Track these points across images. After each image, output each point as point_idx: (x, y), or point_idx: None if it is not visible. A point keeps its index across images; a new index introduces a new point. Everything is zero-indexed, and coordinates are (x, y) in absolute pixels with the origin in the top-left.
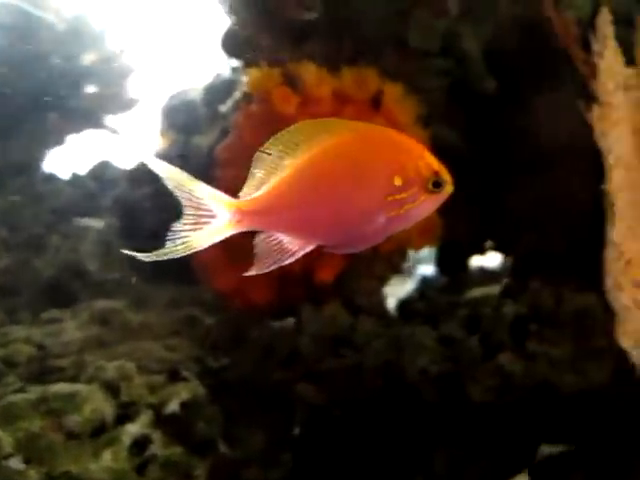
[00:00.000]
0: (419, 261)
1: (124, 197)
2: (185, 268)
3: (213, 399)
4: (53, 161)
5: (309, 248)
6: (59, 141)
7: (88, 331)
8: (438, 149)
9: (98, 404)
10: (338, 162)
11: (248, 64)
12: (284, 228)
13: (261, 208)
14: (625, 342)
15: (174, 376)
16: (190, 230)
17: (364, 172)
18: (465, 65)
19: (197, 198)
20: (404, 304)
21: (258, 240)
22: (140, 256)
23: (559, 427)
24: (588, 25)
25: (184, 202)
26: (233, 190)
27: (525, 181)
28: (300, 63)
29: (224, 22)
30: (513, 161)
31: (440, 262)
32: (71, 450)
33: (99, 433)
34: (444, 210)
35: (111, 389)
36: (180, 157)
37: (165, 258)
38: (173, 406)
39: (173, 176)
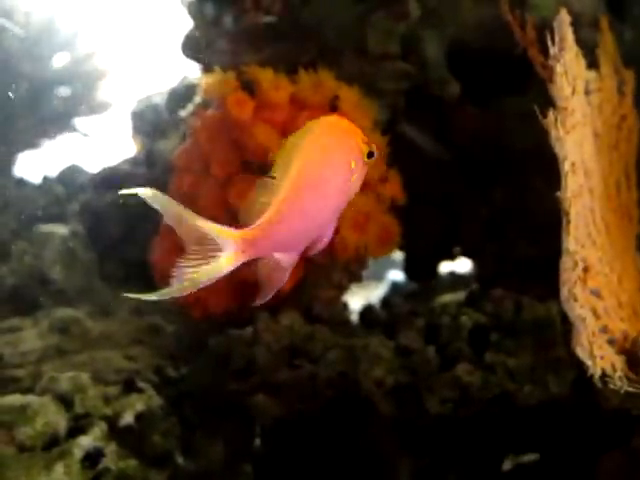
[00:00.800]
0: (392, 265)
1: (90, 203)
2: (149, 273)
3: (171, 410)
4: (24, 165)
5: (296, 259)
6: (31, 144)
7: (47, 340)
8: (407, 152)
9: (51, 416)
10: (315, 169)
11: (207, 69)
12: (284, 248)
13: (264, 235)
14: (581, 353)
15: (130, 387)
16: (196, 266)
17: (336, 168)
18: (427, 69)
19: (200, 233)
20: (365, 312)
21: (261, 267)
22: (145, 297)
23: (519, 439)
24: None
25: (186, 237)
26: (189, 197)
27: (491, 186)
28: (257, 68)
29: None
30: (479, 166)
31: (408, 268)
32: (22, 463)
33: (51, 446)
34: (411, 214)
35: (64, 401)
36: (145, 163)
37: (172, 297)
38: (128, 418)
39: (173, 211)
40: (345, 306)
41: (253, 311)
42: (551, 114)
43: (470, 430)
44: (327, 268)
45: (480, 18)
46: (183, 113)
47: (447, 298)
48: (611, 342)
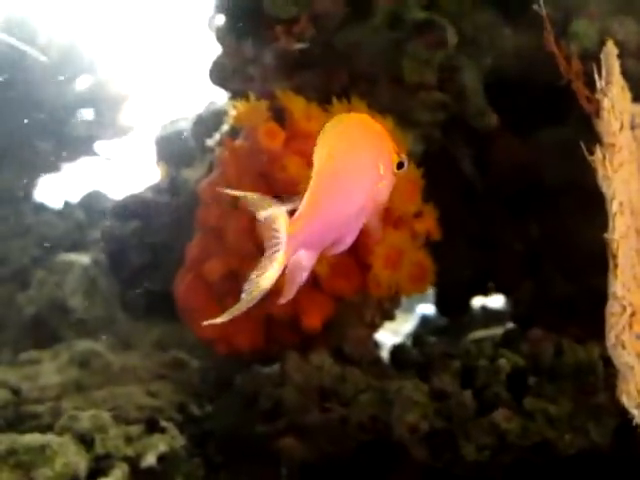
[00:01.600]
0: (421, 298)
1: (112, 231)
2: (172, 304)
3: (194, 451)
4: (45, 190)
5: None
6: (52, 169)
7: (67, 374)
8: (441, 183)
9: (70, 457)
10: (342, 165)
11: (235, 96)
12: (313, 246)
13: (303, 230)
14: (627, 401)
15: (152, 426)
16: (260, 273)
17: (363, 165)
18: (464, 99)
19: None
20: (397, 352)
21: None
22: (218, 320)
23: None
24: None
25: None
26: (216, 231)
27: (527, 220)
28: (288, 95)
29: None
30: (515, 199)
31: (439, 302)
32: None
33: None
34: (444, 247)
35: (85, 440)
36: (169, 191)
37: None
38: (150, 459)
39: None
40: (376, 344)
41: (281, 348)
42: (598, 151)
43: (508, 479)
44: (359, 306)
45: (518, 47)
46: (210, 141)
47: (480, 335)
48: None
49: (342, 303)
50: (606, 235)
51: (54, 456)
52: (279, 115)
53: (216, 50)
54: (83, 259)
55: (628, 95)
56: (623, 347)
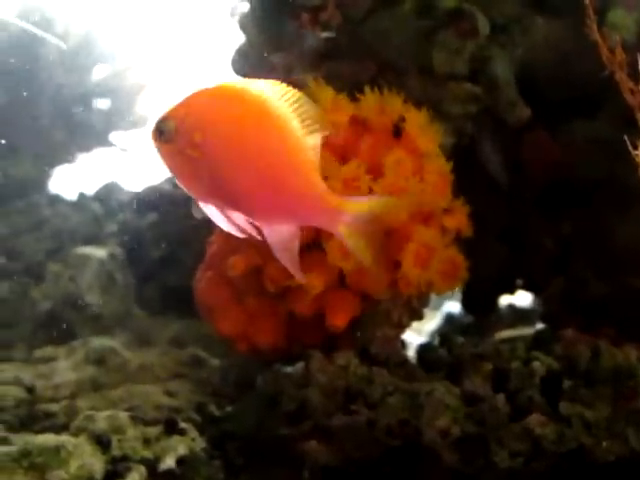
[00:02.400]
0: (446, 296)
1: (129, 224)
2: (190, 300)
3: (214, 452)
4: (60, 181)
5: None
6: (67, 159)
7: (83, 372)
8: (470, 178)
9: (86, 459)
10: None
11: None
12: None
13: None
14: None
15: (171, 427)
16: None
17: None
18: (495, 91)
19: None
20: (424, 352)
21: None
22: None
23: None
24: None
25: None
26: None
27: (559, 217)
28: (317, 85)
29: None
30: (546, 195)
31: (466, 300)
32: None
33: None
34: (472, 246)
35: (101, 442)
36: None
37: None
38: (169, 461)
39: None
40: (403, 345)
41: (303, 348)
42: None
43: None
44: (386, 305)
45: (551, 37)
46: None
47: (507, 334)
48: None
49: (368, 302)
50: None
51: (69, 458)
52: None
53: (236, 38)
54: (99, 253)
55: None
56: None
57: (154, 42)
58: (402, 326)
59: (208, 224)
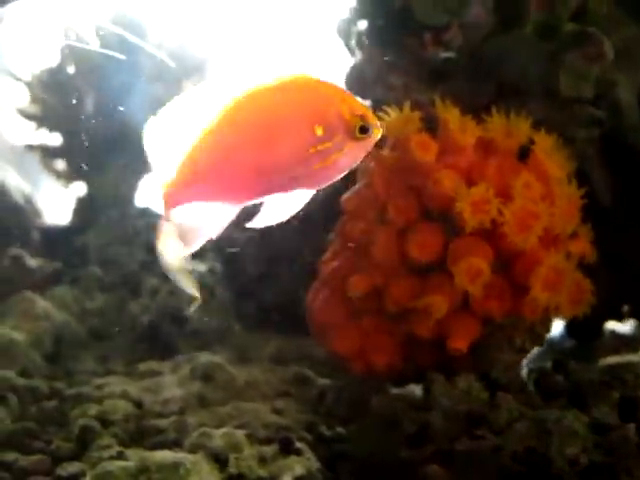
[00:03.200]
0: None
1: (227, 238)
2: (289, 316)
3: (327, 474)
4: (145, 193)
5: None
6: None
7: (189, 388)
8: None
9: (204, 476)
10: (253, 117)
11: (376, 104)
12: (209, 196)
13: (183, 182)
14: None
15: (287, 446)
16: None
17: (281, 125)
18: (619, 115)
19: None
20: (541, 377)
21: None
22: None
23: None
24: None
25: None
26: (361, 245)
27: None
28: (445, 106)
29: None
30: None
31: (571, 325)
32: None
33: None
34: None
35: (218, 459)
36: None
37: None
38: None
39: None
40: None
41: (417, 369)
42: None
43: None
44: (509, 329)
45: None
46: None
47: (614, 361)
48: None
49: (490, 325)
50: None
51: (187, 475)
52: (430, 127)
53: (341, 55)
54: (199, 267)
55: None
56: None
57: (251, 54)
58: (524, 351)
59: (306, 241)
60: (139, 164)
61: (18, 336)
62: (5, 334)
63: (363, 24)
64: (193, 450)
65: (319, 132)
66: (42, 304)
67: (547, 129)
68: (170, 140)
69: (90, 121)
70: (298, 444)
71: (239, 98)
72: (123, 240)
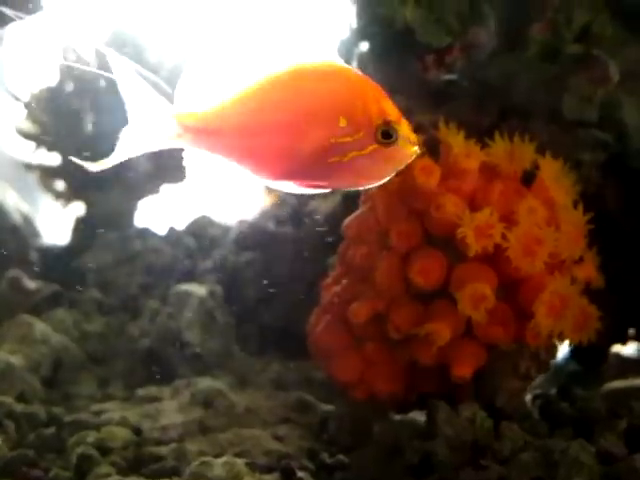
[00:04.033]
0: None
1: (228, 261)
2: (290, 340)
3: None
4: (146, 213)
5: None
6: (152, 191)
7: (189, 414)
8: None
9: None
10: (284, 93)
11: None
12: (223, 152)
13: (204, 126)
14: None
15: (288, 475)
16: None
17: (309, 106)
18: (625, 138)
19: (145, 102)
20: (546, 405)
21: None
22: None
23: None
24: None
25: (131, 104)
26: (363, 270)
27: None
28: (449, 130)
29: None
30: None
31: (576, 350)
32: None
33: None
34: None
35: None
36: (291, 222)
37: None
38: None
39: (128, 72)
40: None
41: (420, 397)
42: None
43: None
44: (513, 356)
45: None
46: None
47: (619, 385)
48: None
49: (495, 352)
50: None
51: None
52: (432, 151)
53: None
54: (199, 290)
55: None
56: None
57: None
58: (529, 378)
59: (307, 265)
60: (138, 184)
61: (16, 360)
62: (2, 358)
63: (365, 45)
64: (193, 479)
65: (342, 123)
66: (40, 327)
67: (551, 152)
68: (204, 84)
69: (89, 141)
70: (300, 473)
71: (281, 70)
72: (122, 261)
